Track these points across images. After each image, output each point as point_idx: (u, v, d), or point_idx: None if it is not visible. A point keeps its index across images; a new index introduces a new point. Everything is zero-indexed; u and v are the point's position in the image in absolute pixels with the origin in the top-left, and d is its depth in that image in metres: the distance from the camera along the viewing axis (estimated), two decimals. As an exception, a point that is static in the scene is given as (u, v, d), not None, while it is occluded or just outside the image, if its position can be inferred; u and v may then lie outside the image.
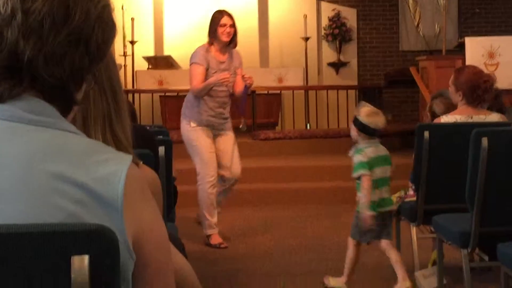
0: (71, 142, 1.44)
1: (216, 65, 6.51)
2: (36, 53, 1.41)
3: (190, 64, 6.55)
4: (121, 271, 1.37)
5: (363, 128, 5.17)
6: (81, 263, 1.30)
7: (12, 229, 1.32)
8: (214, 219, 6.56)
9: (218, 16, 6.56)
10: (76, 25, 1.44)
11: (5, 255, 1.32)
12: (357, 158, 5.20)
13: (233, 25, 6.51)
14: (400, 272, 4.97)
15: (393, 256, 5.04)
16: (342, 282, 5.27)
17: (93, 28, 1.46)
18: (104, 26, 1.49)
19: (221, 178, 6.68)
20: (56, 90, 1.45)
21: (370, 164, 5.15)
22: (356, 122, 5.21)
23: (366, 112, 5.19)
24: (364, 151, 5.17)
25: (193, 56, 6.55)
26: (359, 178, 5.15)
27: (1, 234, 1.32)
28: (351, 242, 5.25)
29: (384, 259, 5.30)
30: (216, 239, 6.53)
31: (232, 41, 6.54)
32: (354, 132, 5.26)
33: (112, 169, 1.40)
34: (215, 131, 6.61)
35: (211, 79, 6.40)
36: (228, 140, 6.66)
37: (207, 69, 6.46)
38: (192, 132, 6.56)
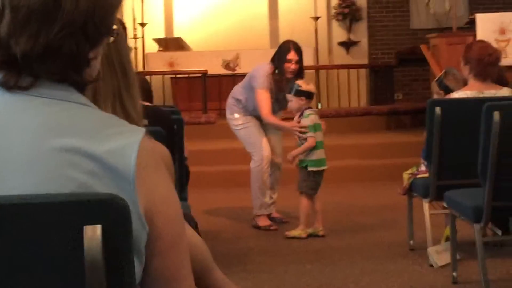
0: (83, 114, 1.44)
1: (274, 92, 6.43)
2: (28, 51, 1.40)
3: (256, 87, 6.40)
4: (134, 242, 1.37)
5: (307, 95, 6.13)
6: (93, 232, 1.30)
7: (25, 200, 1.33)
8: (267, 199, 6.54)
9: (286, 48, 6.43)
10: (68, 16, 1.41)
11: (17, 225, 1.33)
12: (305, 121, 6.08)
13: (299, 61, 6.38)
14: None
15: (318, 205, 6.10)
16: (301, 229, 6.05)
17: (86, 13, 1.43)
18: (99, 6, 1.45)
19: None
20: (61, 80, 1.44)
21: (315, 128, 6.08)
22: (302, 92, 6.10)
23: (303, 83, 6.18)
24: (310, 117, 6.10)
25: (258, 78, 6.41)
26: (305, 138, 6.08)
27: (13, 204, 1.32)
28: (304, 196, 6.09)
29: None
30: (264, 221, 6.48)
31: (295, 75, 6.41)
32: (298, 102, 6.11)
33: (125, 141, 1.40)
34: (261, 119, 6.59)
35: (287, 125, 6.29)
36: (269, 126, 6.63)
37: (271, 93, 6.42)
38: (239, 120, 6.59)
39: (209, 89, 10.87)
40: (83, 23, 1.42)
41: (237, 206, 7.31)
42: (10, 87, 1.42)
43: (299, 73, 6.40)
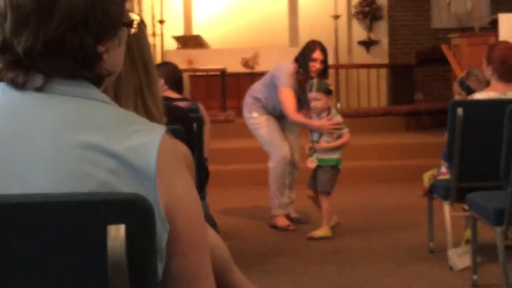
0: (103, 112, 1.43)
1: (297, 91, 6.40)
2: (29, 49, 1.40)
3: (279, 85, 6.37)
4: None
5: (330, 93, 6.17)
6: (117, 232, 1.30)
7: (48, 199, 1.33)
8: (285, 199, 6.51)
9: (312, 47, 6.40)
10: (65, 11, 1.40)
11: (41, 224, 1.32)
12: (338, 118, 6.10)
13: (324, 61, 6.34)
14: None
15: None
16: (327, 229, 5.99)
17: (85, 6, 1.41)
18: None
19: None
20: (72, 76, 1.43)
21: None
22: (331, 91, 6.16)
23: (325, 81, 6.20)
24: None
25: (282, 76, 6.38)
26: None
27: (37, 203, 1.32)
28: (327, 196, 6.03)
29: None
30: (282, 221, 6.44)
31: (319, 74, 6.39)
32: (327, 101, 6.07)
33: (146, 139, 1.39)
34: (278, 119, 6.57)
35: (316, 123, 6.18)
36: (287, 126, 6.60)
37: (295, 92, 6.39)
38: (257, 119, 6.55)
39: (227, 87, 10.86)
40: (83, 17, 1.41)
41: (256, 205, 7.28)
42: (20, 85, 1.42)
43: (323, 73, 6.36)
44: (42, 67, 1.40)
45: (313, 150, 6.10)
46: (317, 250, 5.69)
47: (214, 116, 9.98)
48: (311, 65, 6.29)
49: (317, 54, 6.31)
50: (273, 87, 6.43)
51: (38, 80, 1.41)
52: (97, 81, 1.46)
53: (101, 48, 1.45)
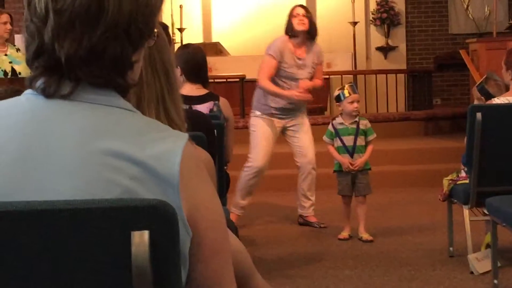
0: (127, 119, 1.44)
1: (292, 60, 6.40)
2: (72, 55, 1.39)
3: (265, 54, 6.46)
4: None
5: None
6: (141, 238, 1.30)
7: (72, 205, 1.33)
8: (244, 202, 6.52)
9: (291, 9, 6.51)
10: (111, 19, 1.40)
11: (65, 231, 1.33)
12: (367, 122, 6.22)
13: (306, 16, 6.40)
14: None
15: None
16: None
17: (130, 16, 1.42)
18: (142, 8, 1.45)
19: (298, 168, 6.65)
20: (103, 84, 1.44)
21: None
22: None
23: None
24: None
25: (269, 46, 6.48)
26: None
27: (61, 210, 1.32)
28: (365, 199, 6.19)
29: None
30: (234, 217, 6.38)
31: (310, 32, 6.43)
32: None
33: (169, 147, 1.39)
34: (284, 121, 6.56)
35: (284, 93, 6.30)
36: (300, 127, 6.60)
37: (279, 62, 6.37)
38: (254, 119, 6.57)
39: (246, 94, 10.85)
40: (127, 25, 1.42)
41: (276, 210, 7.30)
42: (50, 94, 1.42)
43: (311, 30, 6.43)
44: (80, 74, 1.41)
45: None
46: (337, 255, 5.69)
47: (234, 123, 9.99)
48: (294, 21, 6.35)
49: (297, 10, 6.43)
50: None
51: (66, 88, 1.42)
52: (124, 90, 1.48)
53: (134, 58, 1.47)
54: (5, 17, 7.29)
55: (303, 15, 6.38)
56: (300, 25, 6.35)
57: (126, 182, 1.36)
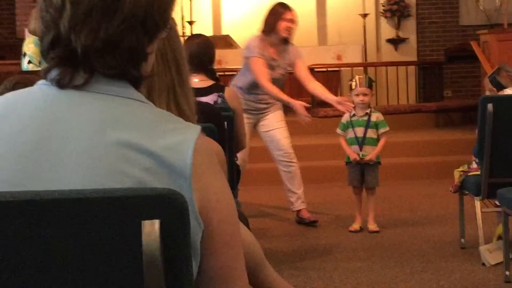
0: (139, 110, 1.44)
1: (267, 60, 6.24)
2: (88, 46, 1.39)
3: (247, 57, 6.24)
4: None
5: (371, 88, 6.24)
6: (152, 227, 1.30)
7: (82, 194, 1.33)
8: None
9: (280, 9, 6.28)
10: (128, 10, 1.41)
11: (76, 220, 1.33)
12: (380, 115, 6.21)
13: (295, 22, 6.28)
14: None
15: None
16: None
17: (146, 7, 1.43)
18: (158, 0, 1.45)
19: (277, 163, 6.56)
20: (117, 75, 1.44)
21: None
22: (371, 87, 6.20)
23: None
24: None
25: (248, 49, 6.26)
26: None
27: (71, 199, 1.33)
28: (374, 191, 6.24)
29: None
30: None
31: (289, 39, 6.30)
32: (370, 95, 6.18)
33: (181, 138, 1.39)
34: (256, 116, 6.45)
35: (290, 101, 6.13)
36: (271, 120, 6.47)
37: None
38: None
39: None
40: (143, 17, 1.43)
41: (284, 203, 7.28)
42: (64, 85, 1.42)
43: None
44: (95, 65, 1.41)
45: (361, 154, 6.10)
46: (348, 247, 5.69)
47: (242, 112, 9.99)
48: (282, 25, 6.17)
49: (289, 15, 6.23)
50: (247, 66, 6.28)
51: (80, 79, 1.42)
52: (138, 81, 1.48)
53: (149, 49, 1.47)
54: None
55: (292, 22, 6.23)
56: (286, 33, 6.21)
57: (139, 173, 1.36)
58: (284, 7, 6.36)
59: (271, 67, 6.27)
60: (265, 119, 6.48)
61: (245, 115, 6.32)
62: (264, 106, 6.43)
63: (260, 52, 6.21)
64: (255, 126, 6.51)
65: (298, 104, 6.12)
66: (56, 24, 1.42)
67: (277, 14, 6.25)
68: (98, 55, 1.41)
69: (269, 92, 6.21)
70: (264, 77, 6.15)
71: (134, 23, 1.42)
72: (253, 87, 6.29)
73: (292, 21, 6.24)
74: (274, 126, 6.47)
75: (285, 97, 6.25)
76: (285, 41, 6.30)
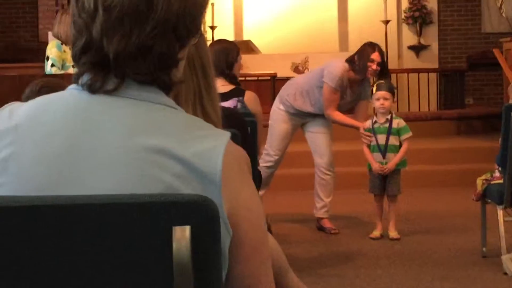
0: (171, 116, 1.44)
1: (343, 91, 6.34)
2: (120, 51, 1.39)
3: (326, 83, 6.28)
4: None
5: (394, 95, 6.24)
6: (182, 233, 1.29)
7: (114, 200, 1.33)
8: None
9: (371, 47, 6.33)
10: (160, 16, 1.40)
11: (106, 226, 1.33)
12: (402, 122, 6.15)
13: (380, 64, 6.28)
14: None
15: None
16: None
17: (178, 13, 1.42)
18: (190, 6, 1.45)
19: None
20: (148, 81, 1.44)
21: None
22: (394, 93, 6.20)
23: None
24: None
25: (331, 75, 6.28)
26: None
27: (102, 204, 1.32)
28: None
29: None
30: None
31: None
32: (391, 100, 6.14)
33: (211, 145, 1.39)
34: (306, 119, 6.53)
35: (350, 123, 6.33)
36: (318, 123, 6.51)
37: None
38: (277, 112, 6.55)
39: (278, 92, 10.85)
40: (175, 23, 1.43)
41: (306, 209, 7.27)
42: (95, 90, 1.42)
43: (381, 75, 6.33)
44: (127, 70, 1.41)
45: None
46: (369, 254, 5.67)
47: (264, 120, 9.98)
48: (368, 65, 6.21)
49: (375, 56, 6.24)
50: (317, 83, 6.37)
51: (111, 84, 1.42)
52: (168, 87, 1.47)
53: (180, 55, 1.47)
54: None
55: (377, 64, 6.25)
56: (370, 74, 6.27)
57: (169, 179, 1.35)
58: (372, 46, 6.39)
59: (341, 96, 6.36)
60: (314, 121, 6.52)
61: (288, 117, 6.40)
62: (316, 112, 6.49)
63: (339, 84, 6.28)
64: (301, 126, 6.57)
65: (356, 125, 6.29)
66: (88, 29, 1.42)
67: (366, 54, 6.28)
68: (130, 61, 1.41)
69: (333, 120, 6.38)
70: (332, 108, 6.31)
71: (166, 29, 1.42)
72: (316, 99, 6.39)
73: (377, 62, 6.25)
74: (320, 131, 6.53)
75: (348, 121, 6.38)
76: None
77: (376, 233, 6.12)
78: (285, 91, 6.60)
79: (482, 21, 12.87)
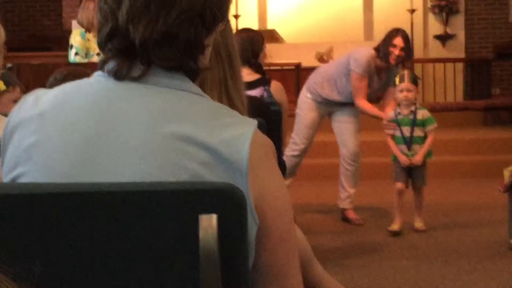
0: (196, 104, 1.42)
1: (370, 79, 6.28)
2: (147, 38, 1.38)
3: (353, 70, 6.24)
4: (247, 232, 1.35)
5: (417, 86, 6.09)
6: (209, 222, 1.28)
7: (140, 187, 1.32)
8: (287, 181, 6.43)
9: (394, 33, 6.23)
10: (186, 3, 1.39)
11: (131, 213, 1.32)
12: (427, 112, 6.07)
13: (404, 49, 6.15)
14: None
15: None
16: None
17: (204, 0, 1.42)
18: None
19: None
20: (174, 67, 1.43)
21: None
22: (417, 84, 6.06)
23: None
24: None
25: (358, 62, 6.22)
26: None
27: (128, 192, 1.31)
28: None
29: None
30: None
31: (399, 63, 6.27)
32: (415, 91, 6.02)
33: (238, 132, 1.37)
34: (333, 108, 6.50)
35: (377, 114, 6.25)
36: (345, 112, 6.47)
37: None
38: (304, 100, 6.52)
39: (302, 82, 10.77)
40: (201, 9, 1.41)
41: (330, 199, 7.25)
42: (121, 77, 1.41)
43: (404, 61, 6.24)
44: (153, 57, 1.40)
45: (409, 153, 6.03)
46: (394, 245, 5.63)
47: (289, 110, 9.95)
48: (390, 50, 6.14)
49: (397, 41, 6.15)
50: (346, 71, 6.32)
51: (137, 71, 1.41)
52: (195, 74, 1.46)
53: (206, 42, 1.46)
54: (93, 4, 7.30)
55: (401, 49, 6.13)
56: (393, 59, 6.15)
57: (195, 166, 1.34)
58: (396, 31, 6.29)
59: (369, 83, 6.30)
60: (341, 110, 6.47)
61: (315, 106, 6.37)
62: (344, 101, 6.43)
63: (367, 70, 6.22)
64: (322, 118, 6.54)
65: (380, 116, 6.24)
66: (114, 16, 1.41)
67: (389, 39, 6.20)
68: (156, 47, 1.39)
69: (362, 109, 6.31)
70: (361, 96, 6.24)
71: (192, 15, 1.40)
72: (343, 87, 6.35)
73: (399, 47, 6.15)
74: (347, 121, 6.49)
75: (375, 112, 6.30)
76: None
77: (395, 226, 6.01)
78: (312, 80, 6.57)
79: (509, 11, 12.75)
